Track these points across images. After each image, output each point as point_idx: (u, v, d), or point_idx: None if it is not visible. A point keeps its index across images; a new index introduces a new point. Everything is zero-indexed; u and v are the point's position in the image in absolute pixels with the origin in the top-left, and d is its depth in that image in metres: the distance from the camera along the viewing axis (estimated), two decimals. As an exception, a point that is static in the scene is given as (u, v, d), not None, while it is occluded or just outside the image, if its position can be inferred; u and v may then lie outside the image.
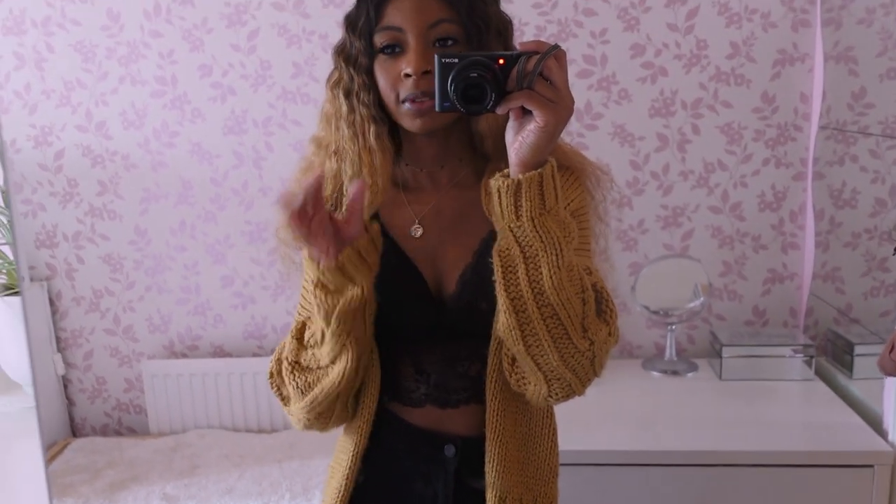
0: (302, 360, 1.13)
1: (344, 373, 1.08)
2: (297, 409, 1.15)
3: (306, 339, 1.13)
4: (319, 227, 0.96)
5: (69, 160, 2.48)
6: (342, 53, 1.13)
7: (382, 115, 1.12)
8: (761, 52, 2.27)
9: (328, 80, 1.17)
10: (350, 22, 1.12)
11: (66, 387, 2.63)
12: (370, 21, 1.09)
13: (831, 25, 2.18)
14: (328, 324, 1.04)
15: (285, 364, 1.14)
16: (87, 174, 2.49)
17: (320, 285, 1.03)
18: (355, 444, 1.18)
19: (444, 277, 1.14)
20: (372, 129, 1.11)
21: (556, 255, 0.96)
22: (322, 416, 1.15)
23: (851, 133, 2.12)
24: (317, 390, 1.11)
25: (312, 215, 0.95)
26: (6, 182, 1.81)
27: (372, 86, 1.11)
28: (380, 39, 1.09)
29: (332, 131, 1.16)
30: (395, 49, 1.08)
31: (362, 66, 1.10)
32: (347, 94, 1.12)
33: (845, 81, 2.14)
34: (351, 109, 1.12)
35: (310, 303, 1.20)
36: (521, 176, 0.95)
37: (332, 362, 1.09)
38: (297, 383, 1.12)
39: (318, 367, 1.11)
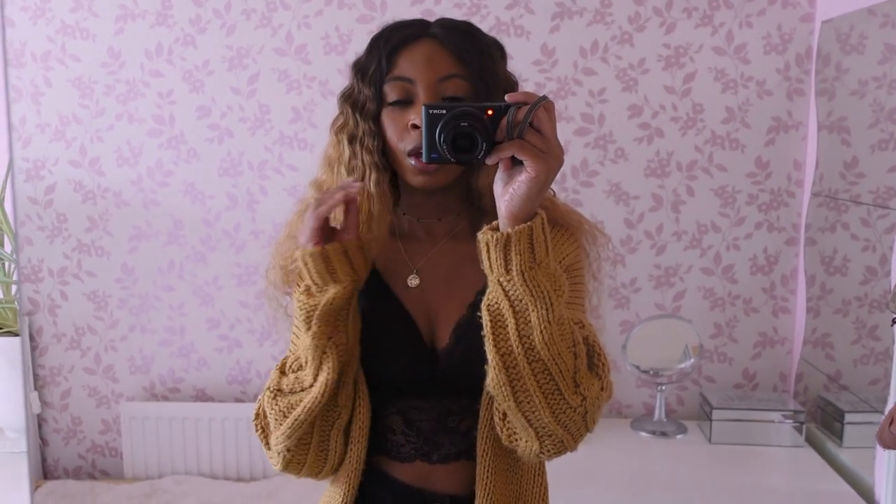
0: (284, 386, 1.10)
1: (326, 384, 1.05)
2: (276, 439, 1.11)
3: (288, 365, 1.11)
4: (316, 219, 1.02)
5: (60, 195, 2.46)
6: (349, 99, 1.13)
7: (385, 163, 1.11)
8: (756, 119, 2.30)
9: (333, 124, 1.17)
10: (359, 69, 1.12)
11: (40, 426, 2.56)
12: (381, 70, 1.09)
13: (825, 96, 2.22)
14: (309, 327, 1.04)
15: (267, 394, 1.12)
16: (77, 210, 2.46)
17: (305, 289, 1.05)
18: (343, 495, 1.14)
19: (437, 330, 1.13)
20: (373, 175, 1.10)
21: (547, 308, 0.94)
22: (302, 443, 1.10)
23: (843, 201, 2.14)
24: (298, 409, 1.07)
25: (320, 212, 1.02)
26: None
27: (378, 133, 1.10)
28: (390, 90, 1.09)
29: (332, 175, 1.16)
30: (404, 104, 1.08)
31: (369, 112, 1.10)
32: (351, 140, 1.12)
33: (838, 150, 2.17)
34: (353, 155, 1.12)
35: (297, 336, 1.17)
36: (510, 230, 0.94)
37: (315, 378, 1.06)
38: (280, 406, 1.10)
39: (301, 390, 1.08)
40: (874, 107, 2.03)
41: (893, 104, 1.92)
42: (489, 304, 0.97)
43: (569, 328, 0.98)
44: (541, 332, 0.94)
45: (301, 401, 1.08)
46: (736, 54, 2.28)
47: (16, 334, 1.87)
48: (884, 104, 1.98)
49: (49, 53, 2.40)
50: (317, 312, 1.03)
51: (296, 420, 1.08)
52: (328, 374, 1.05)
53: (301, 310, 1.04)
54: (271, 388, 1.11)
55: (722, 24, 2.27)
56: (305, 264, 1.04)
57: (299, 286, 1.07)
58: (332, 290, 1.03)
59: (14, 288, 1.93)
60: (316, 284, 1.04)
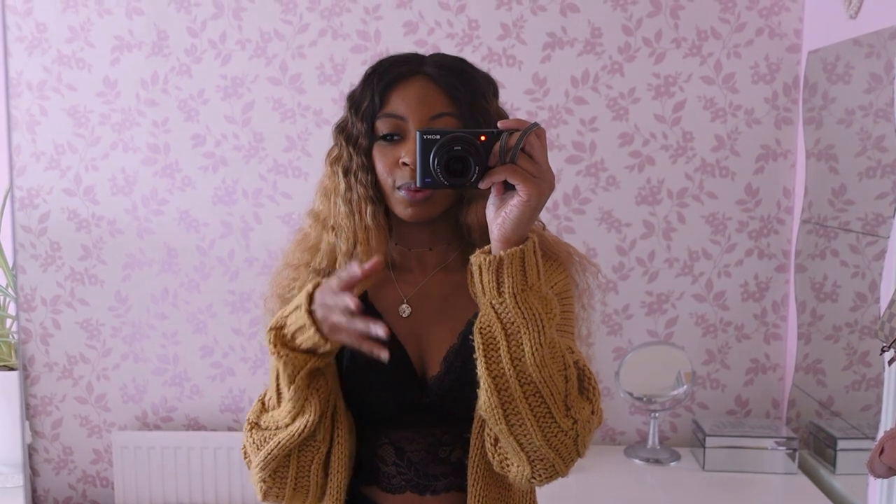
0: (261, 422, 1.12)
1: (306, 425, 1.07)
2: (253, 470, 1.13)
3: (267, 399, 1.13)
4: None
5: (54, 223, 2.46)
6: (343, 132, 1.15)
7: (379, 195, 1.13)
8: (745, 147, 2.33)
9: (328, 155, 1.18)
10: (353, 103, 1.14)
11: (30, 456, 2.54)
12: (374, 106, 1.11)
13: (813, 124, 2.25)
14: (292, 382, 1.04)
15: (246, 426, 1.14)
16: (71, 238, 2.46)
17: (282, 341, 1.04)
18: None
19: (428, 359, 1.14)
20: (369, 208, 1.12)
21: (539, 331, 0.96)
22: (277, 476, 1.12)
23: (832, 228, 2.16)
24: (271, 444, 1.10)
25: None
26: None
27: (370, 167, 1.12)
28: (382, 126, 1.11)
29: (329, 206, 1.17)
30: (394, 137, 1.10)
31: (362, 147, 1.12)
32: (346, 173, 1.13)
33: (826, 178, 2.19)
34: (348, 187, 1.13)
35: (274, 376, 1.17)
36: (502, 252, 0.96)
37: (293, 419, 1.08)
38: (254, 439, 1.12)
39: (277, 428, 1.10)
40: (861, 135, 2.06)
41: (880, 132, 1.95)
42: (481, 327, 0.98)
43: (560, 351, 1.00)
44: (532, 354, 0.96)
45: (275, 436, 1.09)
46: (724, 84, 2.32)
47: (10, 368, 1.84)
48: (870, 132, 2.01)
49: (45, 83, 2.42)
50: (300, 375, 1.04)
51: (268, 454, 1.10)
52: (310, 415, 1.07)
53: (286, 365, 1.04)
54: (250, 421, 1.14)
55: (710, 54, 2.31)
56: (308, 337, 1.02)
57: (271, 328, 1.06)
58: (320, 357, 1.04)
59: (9, 322, 1.91)
60: (303, 349, 1.04)
